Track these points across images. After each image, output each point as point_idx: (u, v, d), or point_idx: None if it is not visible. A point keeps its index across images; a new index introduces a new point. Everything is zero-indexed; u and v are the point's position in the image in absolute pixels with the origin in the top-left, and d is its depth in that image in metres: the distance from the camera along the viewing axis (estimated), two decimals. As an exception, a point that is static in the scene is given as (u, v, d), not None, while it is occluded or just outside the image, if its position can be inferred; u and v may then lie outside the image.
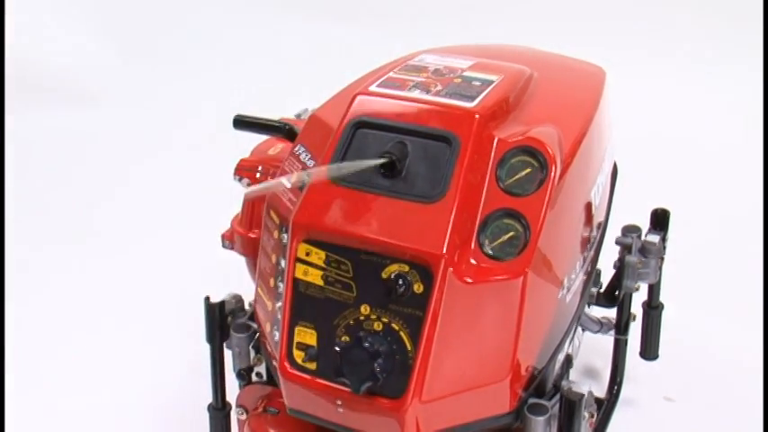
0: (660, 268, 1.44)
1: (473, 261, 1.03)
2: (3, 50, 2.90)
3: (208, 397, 1.33)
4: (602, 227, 1.33)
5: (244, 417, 1.25)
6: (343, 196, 1.07)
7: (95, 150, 2.76)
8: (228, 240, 1.41)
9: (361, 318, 1.04)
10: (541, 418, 1.09)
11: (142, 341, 1.82)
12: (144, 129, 2.88)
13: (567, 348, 1.23)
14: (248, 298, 1.31)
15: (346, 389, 1.02)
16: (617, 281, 1.39)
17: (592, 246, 1.26)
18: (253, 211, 1.38)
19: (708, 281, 1.95)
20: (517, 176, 1.07)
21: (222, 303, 1.27)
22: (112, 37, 3.24)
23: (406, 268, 1.02)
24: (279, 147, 1.42)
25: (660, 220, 1.46)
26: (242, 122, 1.32)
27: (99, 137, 2.84)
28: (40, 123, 2.86)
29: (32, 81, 3.01)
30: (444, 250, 1.00)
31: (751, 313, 1.84)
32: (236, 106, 1.45)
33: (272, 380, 1.27)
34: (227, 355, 1.29)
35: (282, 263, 1.10)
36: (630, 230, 1.40)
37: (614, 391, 1.57)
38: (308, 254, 1.07)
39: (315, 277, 1.06)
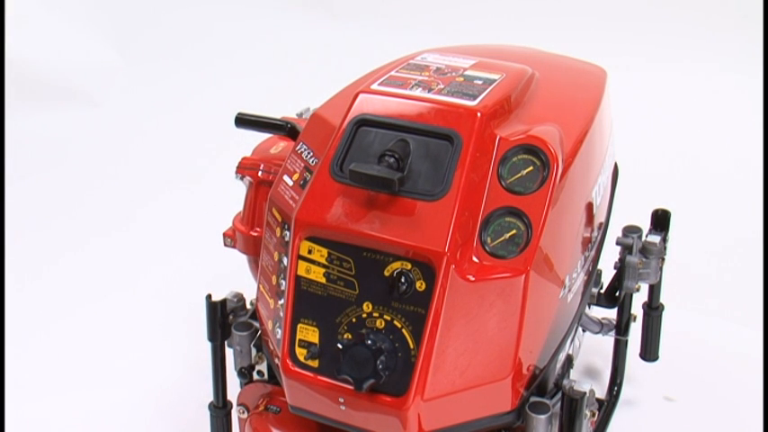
0: (661, 269, 1.44)
1: (475, 259, 1.03)
2: (3, 50, 2.90)
3: (209, 395, 1.33)
4: (603, 227, 1.33)
5: (245, 415, 1.25)
6: (345, 194, 1.07)
7: (95, 150, 2.76)
8: (230, 239, 1.41)
9: (364, 315, 1.04)
10: (543, 417, 1.09)
11: (143, 340, 1.82)
12: (144, 128, 2.88)
13: (567, 348, 1.24)
14: (249, 296, 1.31)
15: (349, 386, 1.02)
16: (617, 281, 1.39)
17: (593, 246, 1.26)
18: (254, 209, 1.38)
19: (708, 281, 1.95)
20: (519, 175, 1.07)
21: (224, 302, 1.28)
22: (112, 37, 3.24)
23: (409, 266, 1.02)
24: (281, 145, 1.42)
25: (661, 220, 1.46)
26: (244, 121, 1.32)
27: (99, 137, 2.84)
28: (40, 124, 2.86)
29: (32, 81, 3.01)
30: (446, 248, 1.00)
31: (751, 313, 1.85)
32: (238, 105, 1.45)
33: (273, 378, 1.27)
34: (229, 353, 1.29)
35: (285, 260, 1.11)
36: (631, 231, 1.40)
37: (615, 392, 1.57)
38: (310, 251, 1.07)
39: (317, 275, 1.06)
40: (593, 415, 1.18)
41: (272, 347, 1.16)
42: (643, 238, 1.41)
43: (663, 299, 1.53)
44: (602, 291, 1.41)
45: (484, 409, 1.08)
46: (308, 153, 1.17)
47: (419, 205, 1.04)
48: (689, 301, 1.81)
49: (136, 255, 2.15)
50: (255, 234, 1.37)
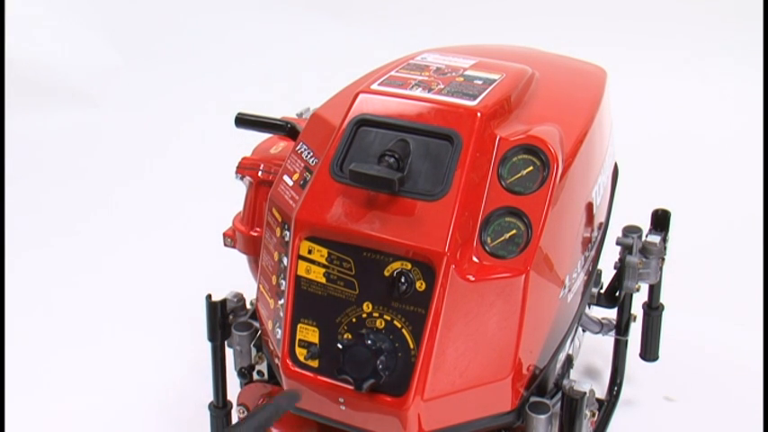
0: (661, 269, 1.44)
1: (475, 259, 1.03)
2: (3, 50, 2.90)
3: (209, 395, 1.33)
4: (603, 227, 1.33)
5: (245, 415, 1.25)
6: (345, 194, 1.07)
7: (95, 150, 2.76)
8: (230, 239, 1.41)
9: (364, 315, 1.04)
10: (543, 417, 1.09)
11: (143, 340, 1.82)
12: (144, 128, 2.88)
13: (567, 348, 1.24)
14: (249, 296, 1.31)
15: (349, 386, 1.02)
16: (617, 281, 1.39)
17: (593, 246, 1.26)
18: (254, 209, 1.38)
19: (708, 281, 1.95)
20: (519, 175, 1.07)
21: (224, 302, 1.28)
22: (112, 37, 3.24)
23: (409, 266, 1.02)
24: (281, 145, 1.42)
25: (661, 220, 1.46)
26: (244, 121, 1.32)
27: (99, 137, 2.84)
28: (40, 124, 2.86)
29: (32, 81, 3.01)
30: (447, 248, 1.00)
31: (751, 314, 1.84)
32: (238, 104, 1.45)
33: (273, 378, 1.27)
34: (229, 353, 1.29)
35: (285, 260, 1.11)
36: (631, 231, 1.40)
37: (615, 392, 1.57)
38: (310, 251, 1.07)
39: (317, 275, 1.06)
40: (593, 415, 1.18)
41: (272, 347, 1.16)
42: (643, 238, 1.41)
43: (663, 299, 1.53)
44: (602, 291, 1.41)
45: (484, 410, 1.08)
46: (308, 153, 1.17)
47: (419, 205, 1.04)
48: (689, 301, 1.81)
49: (135, 255, 2.15)
50: (255, 234, 1.37)
